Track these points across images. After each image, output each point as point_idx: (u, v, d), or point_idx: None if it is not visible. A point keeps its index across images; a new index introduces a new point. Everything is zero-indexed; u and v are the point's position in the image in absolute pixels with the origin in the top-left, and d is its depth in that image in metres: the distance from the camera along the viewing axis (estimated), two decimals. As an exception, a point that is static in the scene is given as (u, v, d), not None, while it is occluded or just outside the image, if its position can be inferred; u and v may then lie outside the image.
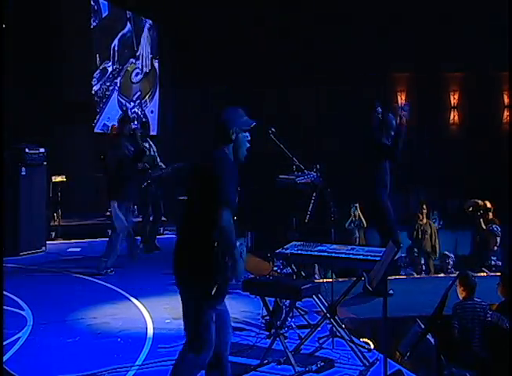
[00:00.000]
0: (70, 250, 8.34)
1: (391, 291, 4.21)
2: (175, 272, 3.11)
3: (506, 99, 13.35)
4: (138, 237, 8.11)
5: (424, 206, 9.31)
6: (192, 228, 3.10)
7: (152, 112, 12.48)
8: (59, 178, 9.60)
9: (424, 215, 9.15)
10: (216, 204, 2.95)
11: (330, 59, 12.13)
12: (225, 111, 3.22)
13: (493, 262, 8.08)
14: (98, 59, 11.16)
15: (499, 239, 8.18)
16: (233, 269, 3.00)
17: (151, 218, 8.41)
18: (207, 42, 11.74)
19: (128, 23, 11.92)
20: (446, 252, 8.76)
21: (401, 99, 13.65)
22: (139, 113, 12.25)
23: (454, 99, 13.45)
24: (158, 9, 12.07)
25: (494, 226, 8.37)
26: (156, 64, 12.78)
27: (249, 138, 3.21)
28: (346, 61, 12.14)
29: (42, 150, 8.23)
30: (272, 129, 5.51)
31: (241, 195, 4.74)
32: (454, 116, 13.55)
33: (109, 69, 11.46)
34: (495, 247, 8.18)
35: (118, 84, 11.67)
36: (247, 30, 12.04)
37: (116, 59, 11.63)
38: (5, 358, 4.15)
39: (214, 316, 3.07)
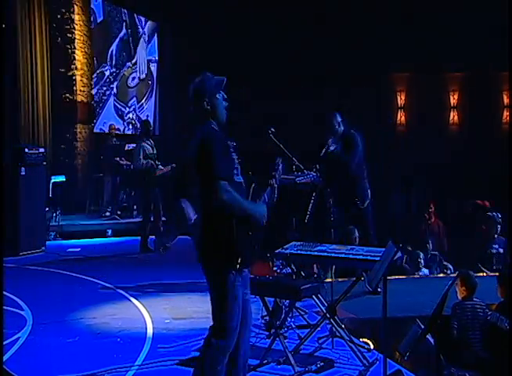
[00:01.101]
0: (69, 250, 8.34)
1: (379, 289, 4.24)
2: (198, 252, 3.11)
3: (506, 99, 13.36)
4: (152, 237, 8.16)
5: (432, 205, 9.23)
6: (202, 207, 3.11)
7: (147, 116, 12.47)
8: (58, 179, 9.62)
9: (432, 215, 9.08)
10: (211, 180, 2.95)
11: (330, 58, 12.14)
12: (193, 84, 3.19)
13: (495, 251, 7.98)
14: (95, 62, 11.17)
15: (499, 226, 8.11)
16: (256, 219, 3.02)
17: (151, 219, 8.41)
18: (208, 42, 11.74)
19: (124, 27, 11.91)
20: (445, 263, 8.69)
21: (401, 99, 13.66)
22: (134, 117, 12.26)
23: (454, 99, 13.46)
24: (158, 8, 12.07)
25: (494, 213, 8.30)
26: (152, 68, 12.76)
27: (225, 96, 3.19)
28: (346, 61, 12.14)
29: (42, 149, 8.23)
30: (272, 129, 5.51)
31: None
32: (454, 116, 13.56)
33: (107, 73, 11.47)
34: (496, 235, 8.11)
35: (115, 89, 11.68)
36: (248, 30, 12.04)
37: (113, 63, 11.63)
38: (4, 358, 4.14)
39: (240, 300, 3.05)
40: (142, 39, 12.41)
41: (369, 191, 6.17)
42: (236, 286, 3.03)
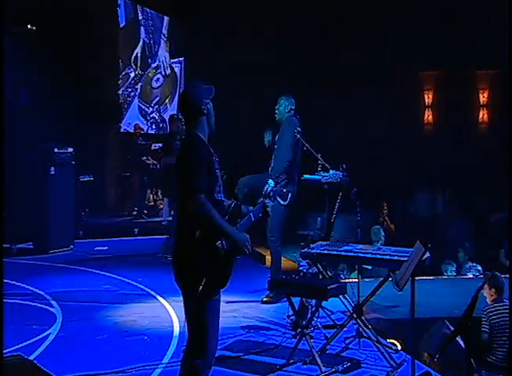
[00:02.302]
0: (96, 248, 8.44)
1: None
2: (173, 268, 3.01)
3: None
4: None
5: (385, 206, 9.14)
6: (179, 220, 3.05)
7: None
8: (86, 178, 9.75)
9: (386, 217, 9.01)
10: (189, 191, 2.89)
11: (358, 58, 12.05)
12: (188, 92, 3.18)
13: None
14: (121, 64, 11.32)
15: None
16: (234, 246, 2.94)
17: None
18: (231, 40, 11.75)
19: (145, 29, 12.02)
20: (474, 264, 8.50)
21: (428, 97, 13.50)
22: (157, 117, 12.36)
23: (483, 97, 13.23)
24: (183, 8, 12.10)
25: None
26: (176, 68, 12.85)
27: (212, 105, 3.15)
28: (373, 60, 12.05)
29: (70, 149, 8.35)
30: (298, 129, 5.51)
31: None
32: (483, 115, 13.33)
33: (131, 75, 11.62)
34: None
35: (139, 90, 11.81)
36: (273, 28, 12.02)
37: (138, 65, 11.77)
38: (36, 353, 4.25)
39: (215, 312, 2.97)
40: (162, 39, 12.51)
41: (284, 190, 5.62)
42: (216, 299, 2.97)
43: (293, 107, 5.68)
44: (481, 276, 7.46)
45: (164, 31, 12.55)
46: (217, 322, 3.00)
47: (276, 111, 5.71)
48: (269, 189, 5.35)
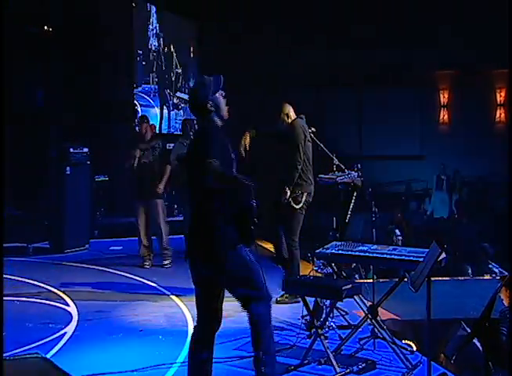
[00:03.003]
0: (112, 248, 8.49)
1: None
2: (195, 254, 3.16)
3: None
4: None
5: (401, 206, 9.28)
6: (198, 207, 3.17)
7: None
8: (100, 178, 9.81)
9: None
10: (205, 165, 2.99)
11: (372, 57, 12.00)
12: (194, 89, 3.43)
13: None
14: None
15: None
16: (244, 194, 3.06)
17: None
18: (244, 42, 11.77)
19: (159, 30, 12.07)
20: (491, 265, 8.39)
21: (443, 97, 13.39)
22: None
23: (501, 96, 13.09)
24: (197, 8, 12.13)
25: None
26: (190, 67, 12.91)
27: (223, 94, 3.29)
28: (387, 60, 11.99)
29: (86, 149, 8.40)
30: (313, 129, 5.50)
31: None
32: (500, 114, 13.19)
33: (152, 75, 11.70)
34: None
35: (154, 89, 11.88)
36: (289, 29, 12.01)
37: (155, 66, 11.84)
38: (52, 352, 4.28)
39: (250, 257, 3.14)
40: (177, 40, 12.55)
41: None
42: (248, 251, 3.16)
43: (290, 112, 5.63)
44: (499, 277, 7.38)
45: (180, 32, 12.61)
46: (255, 266, 3.16)
47: (284, 122, 5.66)
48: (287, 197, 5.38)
